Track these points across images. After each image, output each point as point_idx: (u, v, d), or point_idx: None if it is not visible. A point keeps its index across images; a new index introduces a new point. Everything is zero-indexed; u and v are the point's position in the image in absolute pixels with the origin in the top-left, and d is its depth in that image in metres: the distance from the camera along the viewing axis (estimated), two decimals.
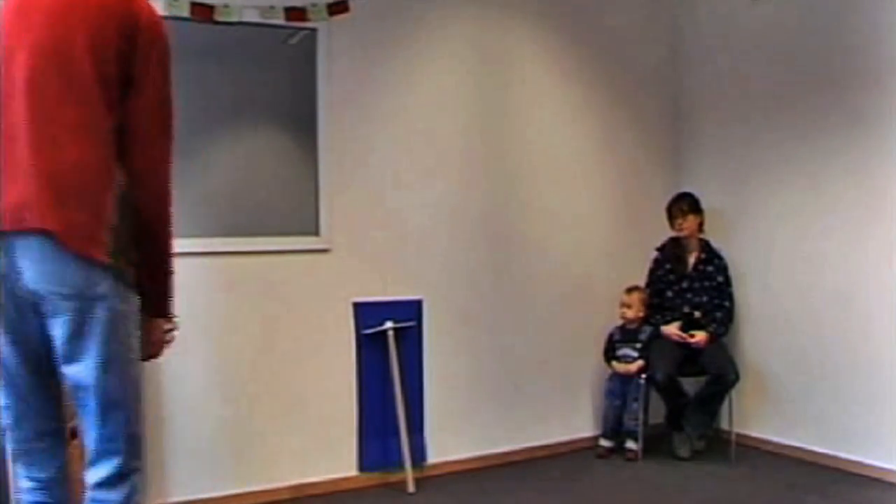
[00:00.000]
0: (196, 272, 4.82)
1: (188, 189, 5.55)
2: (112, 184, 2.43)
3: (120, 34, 2.46)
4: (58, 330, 2.35)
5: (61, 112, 2.37)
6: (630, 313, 5.78)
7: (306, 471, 5.09)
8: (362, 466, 5.23)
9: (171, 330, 2.77)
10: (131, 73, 2.49)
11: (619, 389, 5.73)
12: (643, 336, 5.73)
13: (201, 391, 4.86)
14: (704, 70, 6.21)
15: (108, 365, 2.39)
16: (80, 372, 2.38)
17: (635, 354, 5.69)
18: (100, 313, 2.35)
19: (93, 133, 2.40)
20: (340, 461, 5.17)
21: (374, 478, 5.23)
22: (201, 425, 4.85)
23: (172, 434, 4.79)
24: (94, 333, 2.35)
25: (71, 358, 2.37)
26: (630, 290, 5.84)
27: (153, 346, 2.70)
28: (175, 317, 2.80)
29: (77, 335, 2.35)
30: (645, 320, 5.80)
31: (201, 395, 4.85)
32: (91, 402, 2.41)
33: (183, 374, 4.79)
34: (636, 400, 5.63)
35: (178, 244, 4.74)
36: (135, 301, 2.52)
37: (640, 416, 5.63)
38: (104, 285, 2.37)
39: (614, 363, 5.78)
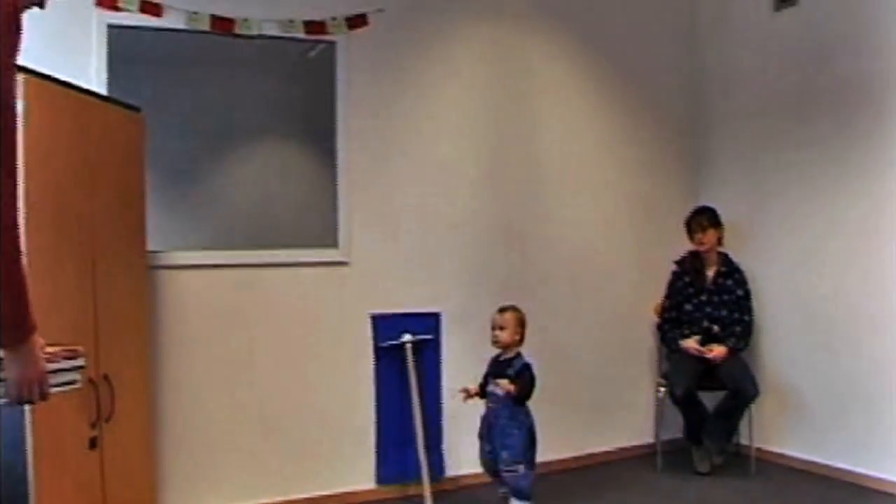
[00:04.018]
0: (215, 284, 4.85)
1: (207, 201, 5.61)
2: None
3: None
4: None
5: None
6: (504, 336, 4.71)
7: (324, 483, 5.08)
8: (380, 479, 5.22)
9: (31, 368, 2.14)
10: None
11: (486, 431, 4.75)
12: (513, 370, 4.66)
13: (217, 402, 4.86)
14: (725, 81, 6.20)
15: None
16: None
17: (501, 394, 4.59)
18: None
19: None
20: (358, 474, 5.17)
21: (392, 491, 5.23)
22: (220, 437, 4.86)
23: (191, 446, 4.80)
24: None
25: None
26: (503, 310, 4.78)
27: (12, 387, 2.14)
28: (38, 349, 2.16)
29: None
30: (520, 344, 4.77)
31: (217, 407, 4.86)
32: None
33: (199, 386, 4.81)
34: (507, 447, 4.59)
35: (197, 256, 4.85)
36: None
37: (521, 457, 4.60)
38: None
39: (486, 400, 4.77)
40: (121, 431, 3.90)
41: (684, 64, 6.40)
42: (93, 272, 3.75)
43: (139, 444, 4.23)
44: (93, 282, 3.75)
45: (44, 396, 2.20)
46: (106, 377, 3.76)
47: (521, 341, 4.76)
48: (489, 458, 4.71)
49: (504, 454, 4.58)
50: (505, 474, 4.62)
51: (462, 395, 4.78)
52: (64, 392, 2.36)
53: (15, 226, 2.01)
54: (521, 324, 4.76)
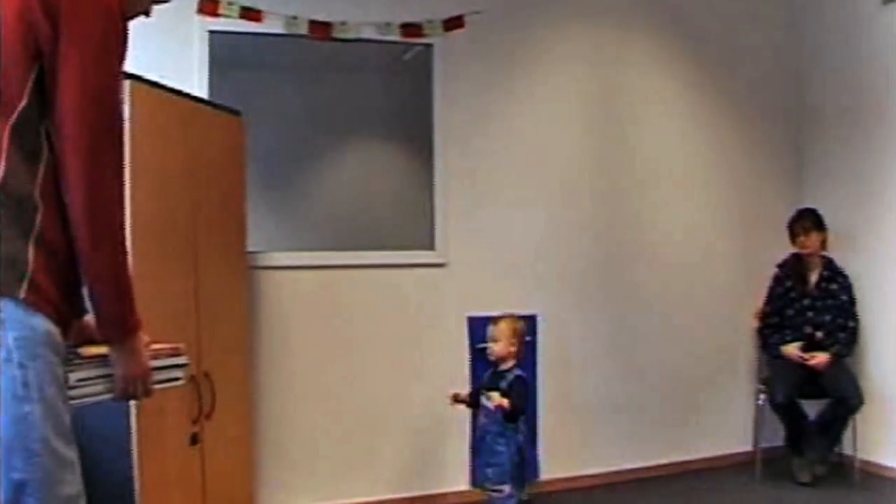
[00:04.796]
0: (312, 284, 4.92)
1: (305, 203, 5.69)
2: None
3: None
4: None
5: None
6: (497, 348, 4.41)
7: (418, 484, 5.11)
8: (474, 481, 5.21)
9: (136, 365, 2.20)
10: (43, 47, 1.98)
11: (474, 446, 4.55)
12: (505, 382, 4.34)
13: (314, 402, 4.93)
14: (828, 81, 6.03)
15: None
16: None
17: (491, 407, 4.28)
18: None
19: None
20: (452, 475, 5.17)
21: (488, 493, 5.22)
22: (315, 436, 4.92)
23: (287, 444, 4.87)
24: None
25: None
26: (497, 320, 4.49)
27: (119, 382, 2.19)
28: (142, 347, 2.21)
29: None
30: (517, 356, 4.46)
31: (313, 406, 4.92)
32: None
33: (296, 386, 4.88)
34: (492, 465, 4.29)
35: (295, 257, 4.92)
36: (28, 320, 1.98)
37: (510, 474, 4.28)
38: None
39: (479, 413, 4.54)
40: (221, 428, 3.98)
41: (786, 61, 6.24)
42: (195, 272, 3.84)
43: (238, 441, 4.32)
44: (195, 281, 3.84)
45: (148, 393, 2.25)
46: (207, 375, 3.85)
47: (517, 353, 4.43)
48: (476, 477, 4.46)
49: (489, 472, 4.29)
50: (490, 493, 4.33)
51: (450, 399, 4.48)
52: (167, 389, 2.41)
53: (122, 227, 2.07)
54: (517, 335, 4.43)
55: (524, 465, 4.32)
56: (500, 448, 4.24)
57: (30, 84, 1.99)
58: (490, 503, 4.35)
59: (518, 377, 4.34)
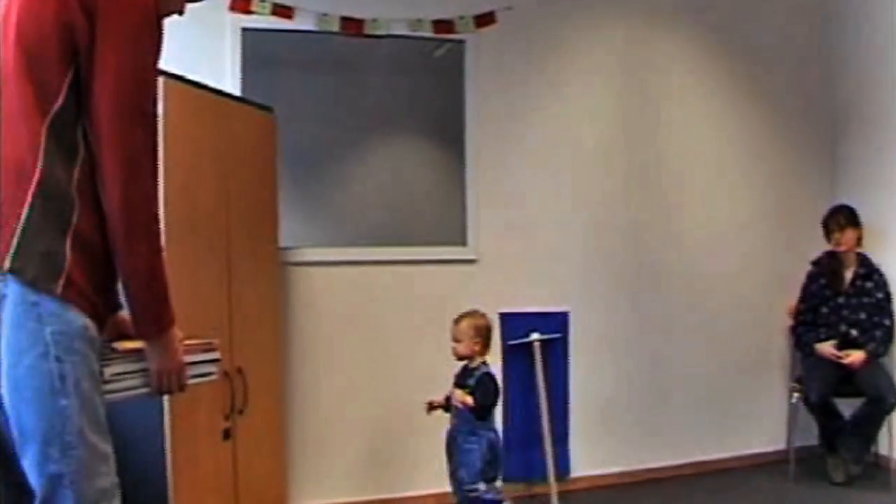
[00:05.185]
0: (344, 280, 4.94)
1: (337, 199, 5.70)
2: (26, 181, 1.99)
3: None
4: None
5: None
6: (460, 348, 4.32)
7: (449, 480, 5.10)
8: (505, 477, 5.21)
9: (170, 360, 2.23)
10: (80, 46, 2.00)
11: (447, 447, 4.37)
12: (473, 380, 4.27)
13: (343, 398, 4.94)
14: (862, 77, 5.96)
15: (16, 387, 2.01)
16: (2, 390, 2.04)
17: (461, 406, 4.26)
18: (5, 327, 1.99)
19: (10, 125, 2.03)
20: None
21: (517, 489, 5.21)
22: (346, 431, 4.94)
23: (318, 439, 4.89)
24: (3, 349, 2.00)
25: None
26: (458, 319, 4.37)
27: (153, 376, 2.21)
28: (177, 342, 2.24)
29: None
30: (483, 353, 4.38)
31: (345, 401, 4.94)
32: (13, 430, 2.04)
33: (327, 380, 4.90)
34: (464, 465, 4.22)
35: (326, 253, 4.93)
36: (65, 315, 2.01)
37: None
38: (7, 293, 1.99)
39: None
40: (253, 423, 4.00)
41: (820, 57, 6.18)
42: (228, 268, 3.86)
43: (270, 436, 4.34)
44: (228, 277, 3.86)
45: (182, 387, 2.28)
46: (240, 370, 3.87)
47: (483, 350, 4.33)
48: (452, 478, 4.31)
49: (462, 472, 4.21)
50: (467, 495, 4.20)
51: (426, 408, 4.40)
52: (201, 383, 2.43)
53: (157, 224, 2.10)
54: (480, 332, 4.32)
55: (497, 462, 4.26)
56: (471, 446, 4.19)
57: (66, 83, 2.01)
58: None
59: (485, 374, 4.28)
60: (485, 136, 5.26)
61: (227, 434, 3.79)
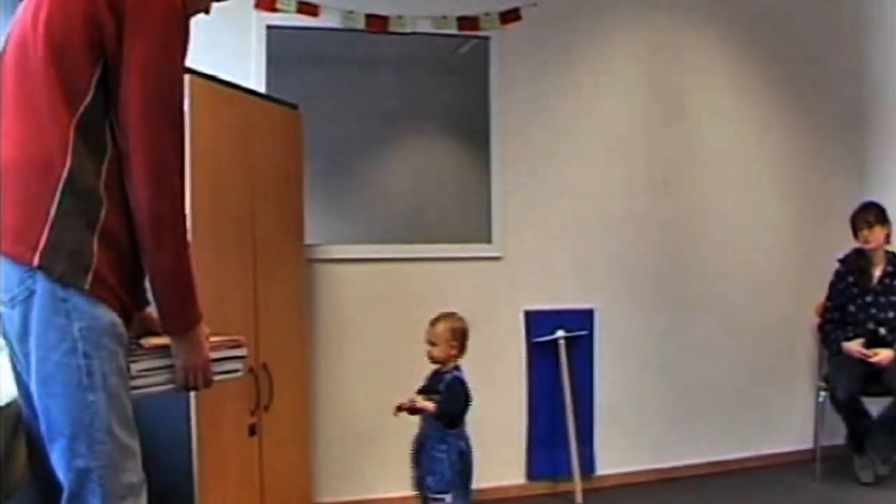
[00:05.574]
0: (369, 277, 4.95)
1: (362, 196, 5.72)
2: (54, 178, 2.00)
3: None
4: (15, 344, 2.09)
5: (12, 100, 2.08)
6: (436, 352, 4.04)
7: (474, 476, 5.09)
8: (530, 475, 5.22)
9: (197, 356, 2.24)
10: (108, 43, 2.02)
11: (414, 454, 4.09)
12: (443, 384, 4.01)
13: (369, 394, 4.95)
14: (891, 74, 5.91)
15: (45, 383, 2.02)
16: (31, 386, 2.06)
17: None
18: (34, 323, 2.00)
19: (38, 122, 2.04)
20: (509, 468, 5.19)
21: (542, 486, 5.22)
22: (371, 428, 4.95)
23: (343, 436, 4.91)
24: (33, 345, 2.02)
25: (26, 370, 2.07)
26: (434, 322, 4.10)
27: (180, 373, 2.23)
28: (203, 338, 2.25)
29: (22, 342, 2.05)
30: (458, 357, 4.07)
31: (369, 398, 4.94)
32: (42, 425, 2.07)
33: (352, 377, 4.92)
34: (433, 473, 3.94)
35: (352, 250, 4.94)
36: (92, 311, 2.03)
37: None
38: (36, 288, 2.00)
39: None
40: (279, 419, 4.02)
41: (851, 53, 6.13)
42: (254, 265, 3.87)
43: (296, 432, 4.35)
44: (254, 274, 3.87)
45: (207, 383, 2.29)
46: (265, 366, 3.88)
47: (458, 354, 4.06)
48: (418, 485, 4.06)
49: (429, 479, 3.94)
50: (431, 502, 3.95)
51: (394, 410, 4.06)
52: (227, 380, 2.44)
53: (183, 220, 2.11)
54: (457, 335, 4.05)
55: (469, 472, 4.00)
56: (440, 455, 3.92)
57: (95, 80, 2.03)
58: None
59: (455, 378, 4.00)
60: (509, 133, 5.26)
61: (252, 430, 3.81)
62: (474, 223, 5.29)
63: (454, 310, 4.37)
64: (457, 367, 4.04)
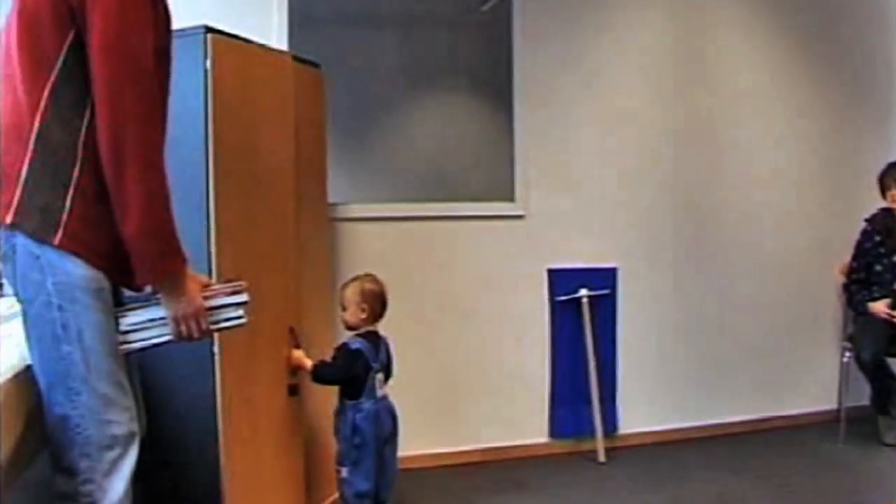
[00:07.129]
0: (391, 236, 4.94)
1: (384, 155, 5.70)
2: (24, 138, 2.09)
3: None
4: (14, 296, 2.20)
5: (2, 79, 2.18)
6: (347, 316, 3.76)
7: (497, 435, 5.13)
8: (553, 433, 5.23)
9: (188, 304, 2.23)
10: (77, 9, 2.08)
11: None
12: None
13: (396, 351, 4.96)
14: None
15: (28, 334, 2.15)
16: None
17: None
18: (18, 278, 2.13)
19: (14, 93, 2.13)
20: (531, 427, 5.20)
21: (565, 445, 5.23)
22: (395, 389, 4.96)
23: None
24: (21, 297, 2.15)
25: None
26: (345, 285, 3.82)
27: (172, 324, 2.24)
28: (191, 285, 2.25)
29: (17, 294, 2.17)
30: (372, 320, 3.77)
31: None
32: None
33: None
34: (353, 464, 3.60)
35: (373, 209, 4.92)
36: (63, 265, 2.09)
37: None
38: (17, 245, 2.10)
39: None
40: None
41: (882, 13, 6.03)
42: (284, 223, 3.83)
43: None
44: (286, 232, 3.82)
45: (204, 332, 2.29)
46: (291, 330, 3.84)
47: (371, 317, 3.74)
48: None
49: (341, 472, 3.64)
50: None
51: None
52: (230, 328, 2.40)
53: (151, 163, 2.11)
54: (367, 297, 3.73)
55: (364, 448, 3.59)
56: (339, 426, 3.66)
57: (67, 44, 2.10)
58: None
59: (343, 344, 3.70)
60: (532, 91, 5.21)
61: (293, 390, 3.75)
62: (497, 182, 5.26)
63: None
64: (365, 334, 3.71)
